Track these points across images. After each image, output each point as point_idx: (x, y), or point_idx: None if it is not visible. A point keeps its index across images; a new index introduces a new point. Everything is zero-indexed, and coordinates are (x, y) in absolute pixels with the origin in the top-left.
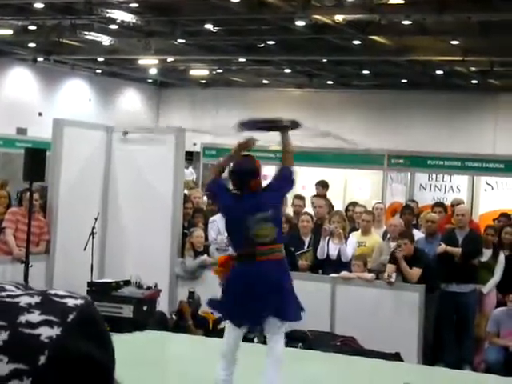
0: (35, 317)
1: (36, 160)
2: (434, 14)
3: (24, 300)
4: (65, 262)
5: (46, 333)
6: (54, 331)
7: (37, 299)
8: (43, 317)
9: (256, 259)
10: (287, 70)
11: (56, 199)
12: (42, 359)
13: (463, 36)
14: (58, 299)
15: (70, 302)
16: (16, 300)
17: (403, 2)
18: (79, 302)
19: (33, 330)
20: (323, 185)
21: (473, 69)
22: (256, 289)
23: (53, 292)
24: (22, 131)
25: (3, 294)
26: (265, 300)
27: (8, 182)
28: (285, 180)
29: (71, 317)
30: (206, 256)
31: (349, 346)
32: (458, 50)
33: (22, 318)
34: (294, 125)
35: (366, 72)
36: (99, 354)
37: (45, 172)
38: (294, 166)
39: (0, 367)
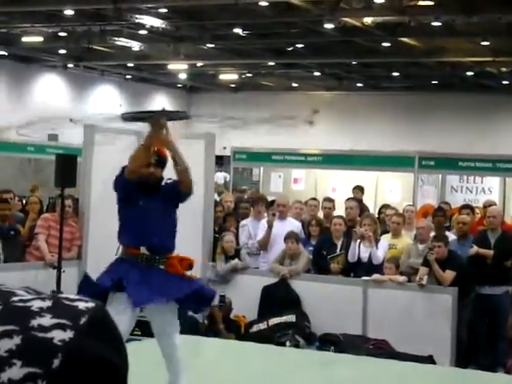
0: (47, 320)
1: (67, 166)
2: (464, 15)
3: (36, 304)
4: (97, 267)
5: (59, 336)
6: (67, 334)
7: (48, 303)
8: (55, 320)
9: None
10: (316, 73)
11: (88, 204)
12: (56, 362)
13: (493, 37)
14: (69, 302)
15: (81, 305)
16: (28, 304)
17: (432, 3)
18: (90, 305)
19: (45, 333)
20: (360, 189)
21: (503, 69)
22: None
23: (64, 296)
24: (53, 137)
25: (15, 298)
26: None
27: (38, 187)
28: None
29: (83, 320)
30: (237, 260)
31: (381, 349)
32: (488, 51)
33: (34, 322)
34: (175, 115)
35: (395, 74)
36: (112, 356)
37: (76, 178)
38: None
39: (14, 371)
